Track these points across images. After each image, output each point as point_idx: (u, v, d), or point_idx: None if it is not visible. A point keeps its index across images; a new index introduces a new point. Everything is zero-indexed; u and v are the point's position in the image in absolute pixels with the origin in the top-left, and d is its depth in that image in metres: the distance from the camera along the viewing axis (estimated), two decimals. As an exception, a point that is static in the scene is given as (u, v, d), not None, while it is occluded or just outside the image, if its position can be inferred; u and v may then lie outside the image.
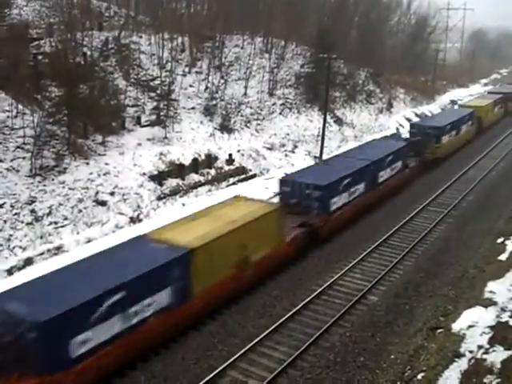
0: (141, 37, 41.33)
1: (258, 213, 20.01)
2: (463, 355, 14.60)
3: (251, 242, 19.03)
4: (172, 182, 31.02)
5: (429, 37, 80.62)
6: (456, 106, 59.15)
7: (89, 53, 34.69)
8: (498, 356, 14.12)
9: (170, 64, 39.14)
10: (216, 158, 34.65)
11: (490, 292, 18.19)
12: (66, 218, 25.28)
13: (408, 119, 55.35)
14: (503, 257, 21.82)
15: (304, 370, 15.74)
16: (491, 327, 15.83)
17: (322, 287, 20.44)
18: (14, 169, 25.89)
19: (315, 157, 39.50)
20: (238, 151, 36.62)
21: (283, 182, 25.36)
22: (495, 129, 53.15)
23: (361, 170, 27.20)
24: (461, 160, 40.15)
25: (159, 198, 29.43)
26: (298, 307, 18.98)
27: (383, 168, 29.60)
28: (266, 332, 17.35)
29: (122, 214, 27.10)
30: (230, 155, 35.44)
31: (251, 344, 16.70)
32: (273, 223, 20.50)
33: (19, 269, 21.97)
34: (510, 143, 46.82)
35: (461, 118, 43.42)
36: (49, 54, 31.94)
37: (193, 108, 38.91)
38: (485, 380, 13.23)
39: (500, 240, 24.10)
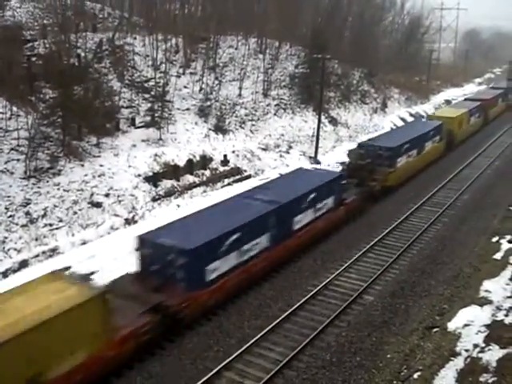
0: (135, 38, 41.28)
1: (65, 304, 13.54)
2: (459, 354, 14.65)
3: (51, 349, 13.11)
4: (167, 183, 30.96)
5: (422, 37, 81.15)
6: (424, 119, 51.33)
7: (83, 54, 34.57)
8: (493, 355, 14.18)
9: (164, 65, 39.10)
10: (211, 159, 34.60)
11: (486, 291, 18.28)
12: (60, 220, 25.20)
13: (402, 119, 55.52)
14: (498, 256, 21.90)
15: (300, 370, 15.74)
16: (487, 326, 15.89)
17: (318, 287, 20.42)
18: (8, 171, 25.81)
19: (310, 157, 39.58)
20: (233, 152, 36.59)
21: (142, 241, 18.02)
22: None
23: (262, 218, 19.97)
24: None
25: (154, 200, 29.38)
26: (294, 307, 18.96)
27: (302, 210, 22.46)
28: (262, 333, 17.33)
29: (117, 215, 27.04)
30: (225, 156, 35.41)
31: (247, 345, 16.67)
32: (91, 316, 14.15)
33: (14, 271, 21.87)
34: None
35: (424, 133, 36.18)
36: (43, 56, 31.89)
37: (187, 109, 38.87)
38: (481, 379, 13.27)
39: (495, 239, 24.20)
